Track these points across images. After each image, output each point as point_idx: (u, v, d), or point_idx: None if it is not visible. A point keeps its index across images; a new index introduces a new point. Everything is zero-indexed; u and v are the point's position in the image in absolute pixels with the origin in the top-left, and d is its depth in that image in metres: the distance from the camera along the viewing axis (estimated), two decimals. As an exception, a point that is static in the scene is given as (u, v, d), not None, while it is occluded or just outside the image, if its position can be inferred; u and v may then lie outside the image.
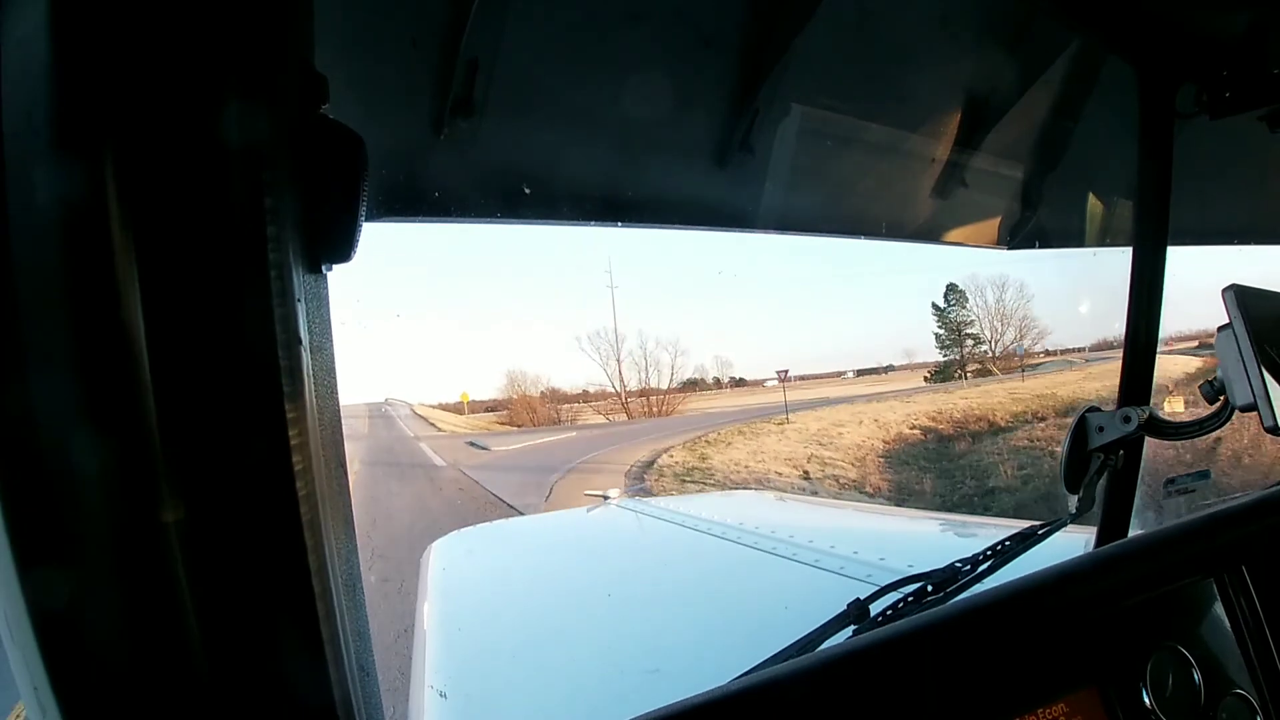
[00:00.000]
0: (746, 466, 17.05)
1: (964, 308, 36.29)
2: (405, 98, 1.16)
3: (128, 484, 0.34)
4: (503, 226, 1.38)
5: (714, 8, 1.25)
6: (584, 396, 40.30)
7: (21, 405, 0.34)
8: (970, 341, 36.13)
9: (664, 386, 39.48)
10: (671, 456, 17.67)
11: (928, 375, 36.28)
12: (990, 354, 35.44)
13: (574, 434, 27.81)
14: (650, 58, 1.26)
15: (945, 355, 36.79)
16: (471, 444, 24.94)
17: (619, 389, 39.24)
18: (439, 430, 33.08)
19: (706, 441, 19.54)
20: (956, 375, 34.37)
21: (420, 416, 38.32)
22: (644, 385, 39.01)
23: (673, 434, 21.88)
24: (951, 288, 36.29)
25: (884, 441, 19.85)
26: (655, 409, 36.33)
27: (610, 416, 37.19)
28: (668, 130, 1.35)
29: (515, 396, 39.88)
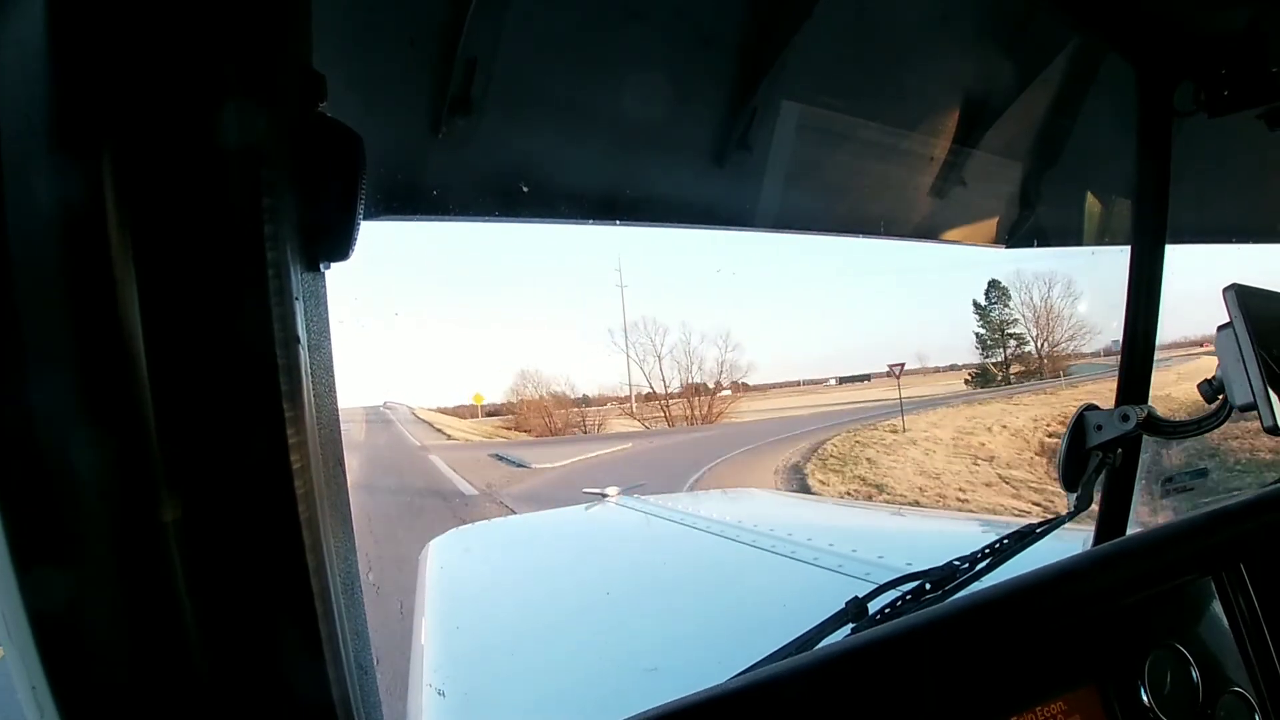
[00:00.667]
0: (958, 498, 13.56)
1: (1006, 305, 33.65)
2: (404, 96, 1.16)
3: (126, 482, 0.34)
4: (503, 225, 1.38)
5: (713, 6, 1.25)
6: (585, 401, 34.97)
7: (19, 404, 0.34)
8: (1013, 342, 33.54)
9: (711, 385, 33.38)
10: (822, 482, 13.87)
11: (968, 378, 33.64)
12: (1037, 354, 33.01)
13: (629, 445, 22.59)
14: (648, 56, 1.25)
15: (987, 356, 34.21)
16: (499, 458, 20.29)
17: (660, 390, 33.43)
18: (449, 438, 28.23)
19: (833, 456, 16.11)
20: (999, 378, 32.21)
21: (423, 421, 33.51)
22: (686, 384, 33.09)
23: (765, 447, 18.37)
24: (993, 284, 33.78)
25: (1037, 454, 16.93)
26: (704, 414, 31.03)
27: (647, 423, 31.65)
28: (666, 128, 1.35)
29: (526, 399, 34.31)
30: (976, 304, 34.04)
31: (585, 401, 35.23)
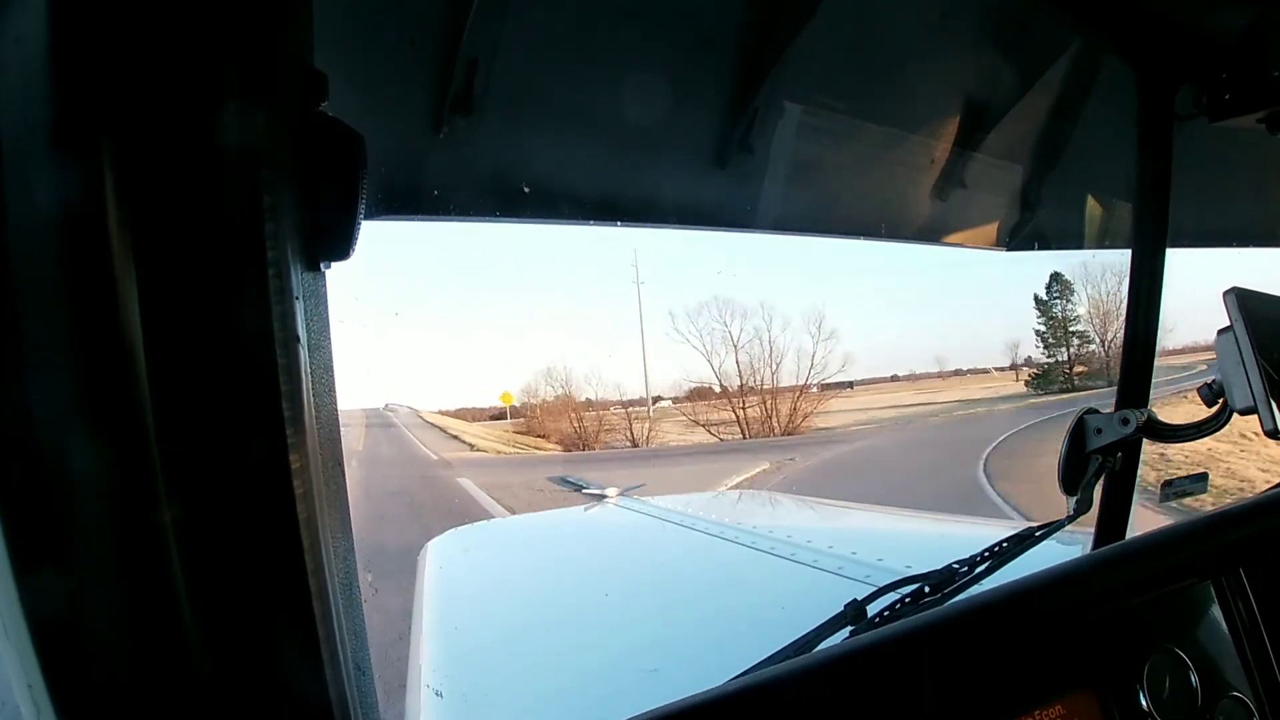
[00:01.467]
0: None
1: (1069, 301, 29.94)
2: (405, 96, 1.16)
3: (124, 482, 0.34)
4: (504, 225, 1.39)
5: (713, 6, 1.25)
6: (589, 404, 26.78)
7: (18, 403, 0.34)
8: (1076, 340, 29.76)
9: (798, 381, 24.87)
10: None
11: (1028, 379, 30.39)
12: (1104, 354, 28.71)
13: (764, 466, 15.67)
14: (649, 56, 1.25)
15: (1050, 355, 30.60)
16: (573, 487, 13.23)
17: (733, 388, 25.19)
18: (472, 448, 22.14)
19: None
20: (1062, 379, 29.11)
21: (433, 425, 27.03)
22: (757, 382, 24.93)
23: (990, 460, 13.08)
24: (1056, 277, 30.06)
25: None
26: (789, 419, 23.75)
27: (718, 432, 24.08)
28: (667, 130, 1.35)
29: (539, 402, 27.20)
30: (1038, 298, 30.71)
31: (589, 405, 27.99)
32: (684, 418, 25.96)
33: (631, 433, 24.98)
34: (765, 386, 25.21)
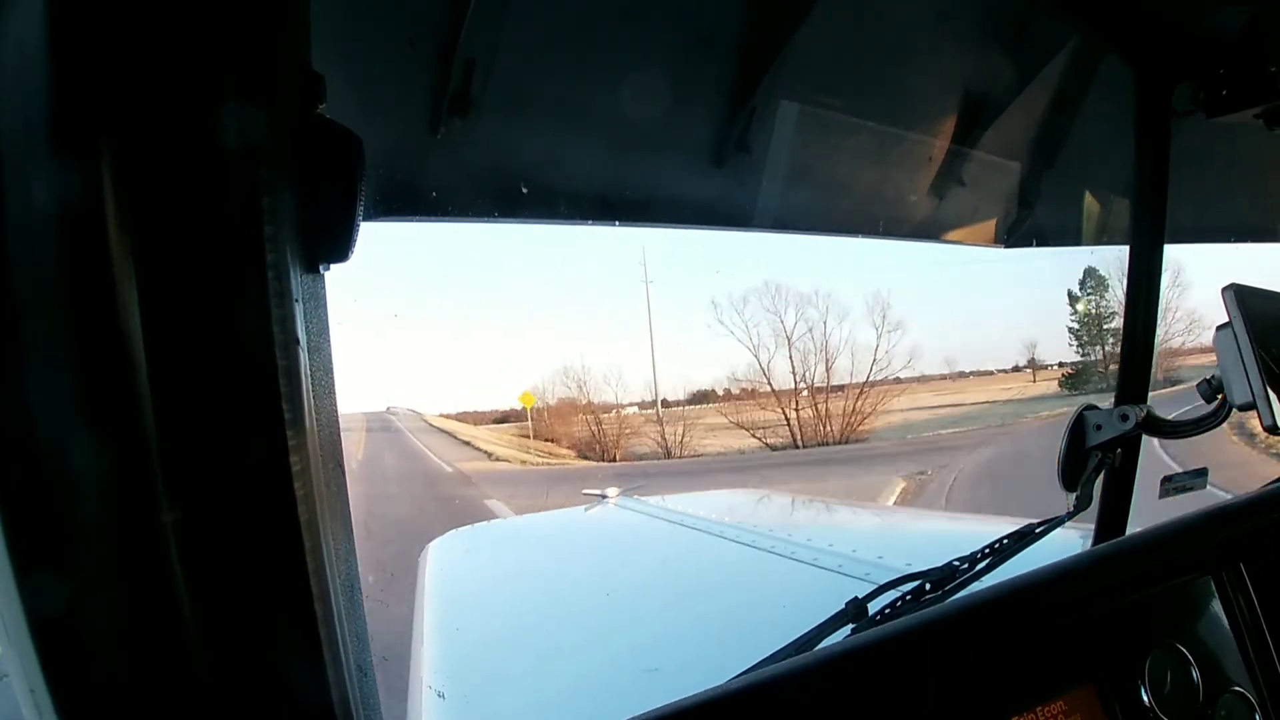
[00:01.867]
0: None
1: (1103, 297, 26.08)
2: (403, 96, 1.16)
3: (125, 484, 0.34)
4: (506, 226, 1.39)
5: (712, 6, 1.25)
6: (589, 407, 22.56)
7: (19, 404, 0.34)
8: (1110, 339, 26.45)
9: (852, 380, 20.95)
10: None
11: (1061, 379, 27.74)
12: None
13: (903, 485, 11.89)
14: (647, 56, 1.25)
15: (1085, 355, 27.75)
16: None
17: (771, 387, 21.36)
18: (490, 456, 19.29)
19: None
20: (1096, 378, 26.20)
21: (441, 430, 23.60)
22: (809, 382, 21.16)
23: None
24: (1090, 272, 28.15)
25: None
26: (845, 422, 20.15)
27: (761, 435, 20.41)
28: (665, 129, 1.35)
29: (546, 406, 23.12)
30: (1072, 295, 28.26)
31: (590, 407, 23.33)
32: (723, 418, 22.31)
33: (663, 438, 21.52)
34: (817, 385, 21.49)
